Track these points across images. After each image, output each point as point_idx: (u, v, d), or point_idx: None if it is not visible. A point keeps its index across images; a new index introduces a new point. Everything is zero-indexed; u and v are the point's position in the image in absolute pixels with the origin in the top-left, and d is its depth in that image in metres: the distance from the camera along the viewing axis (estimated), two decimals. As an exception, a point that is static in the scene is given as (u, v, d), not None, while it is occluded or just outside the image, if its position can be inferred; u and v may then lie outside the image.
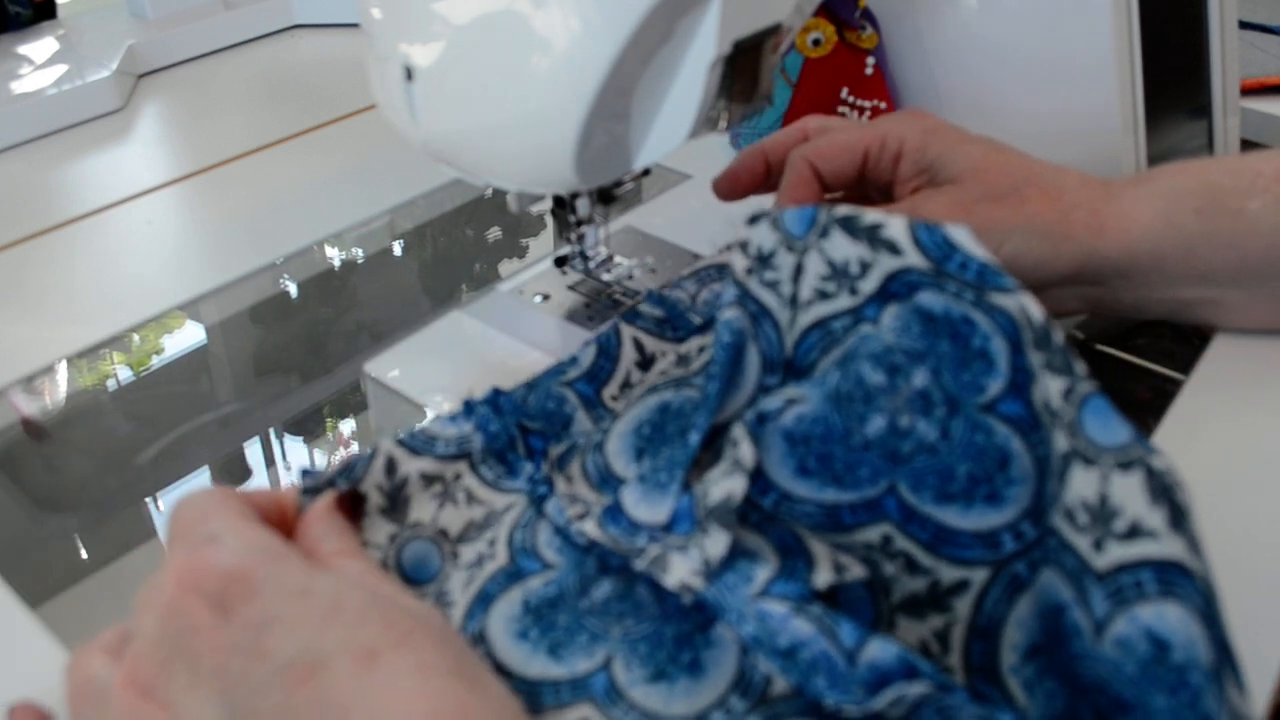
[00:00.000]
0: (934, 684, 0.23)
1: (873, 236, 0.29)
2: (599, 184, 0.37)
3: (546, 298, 0.47)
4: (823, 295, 0.30)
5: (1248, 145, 0.58)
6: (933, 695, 0.23)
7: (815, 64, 0.54)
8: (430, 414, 0.42)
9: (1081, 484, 0.24)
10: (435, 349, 0.45)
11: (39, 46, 0.74)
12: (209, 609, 0.23)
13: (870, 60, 0.54)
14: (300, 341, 0.50)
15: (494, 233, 0.57)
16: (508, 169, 0.37)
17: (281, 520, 0.29)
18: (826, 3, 0.52)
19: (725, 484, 0.27)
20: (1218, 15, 0.51)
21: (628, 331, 0.38)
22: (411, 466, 0.31)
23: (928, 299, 0.28)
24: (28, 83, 0.69)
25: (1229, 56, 0.52)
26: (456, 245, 0.57)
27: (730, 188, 0.46)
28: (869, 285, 0.29)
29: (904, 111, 0.43)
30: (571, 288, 0.47)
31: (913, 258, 0.28)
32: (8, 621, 0.34)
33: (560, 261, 0.47)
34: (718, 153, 0.59)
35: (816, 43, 0.53)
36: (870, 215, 0.29)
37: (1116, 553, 0.23)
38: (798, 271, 0.31)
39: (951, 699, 0.23)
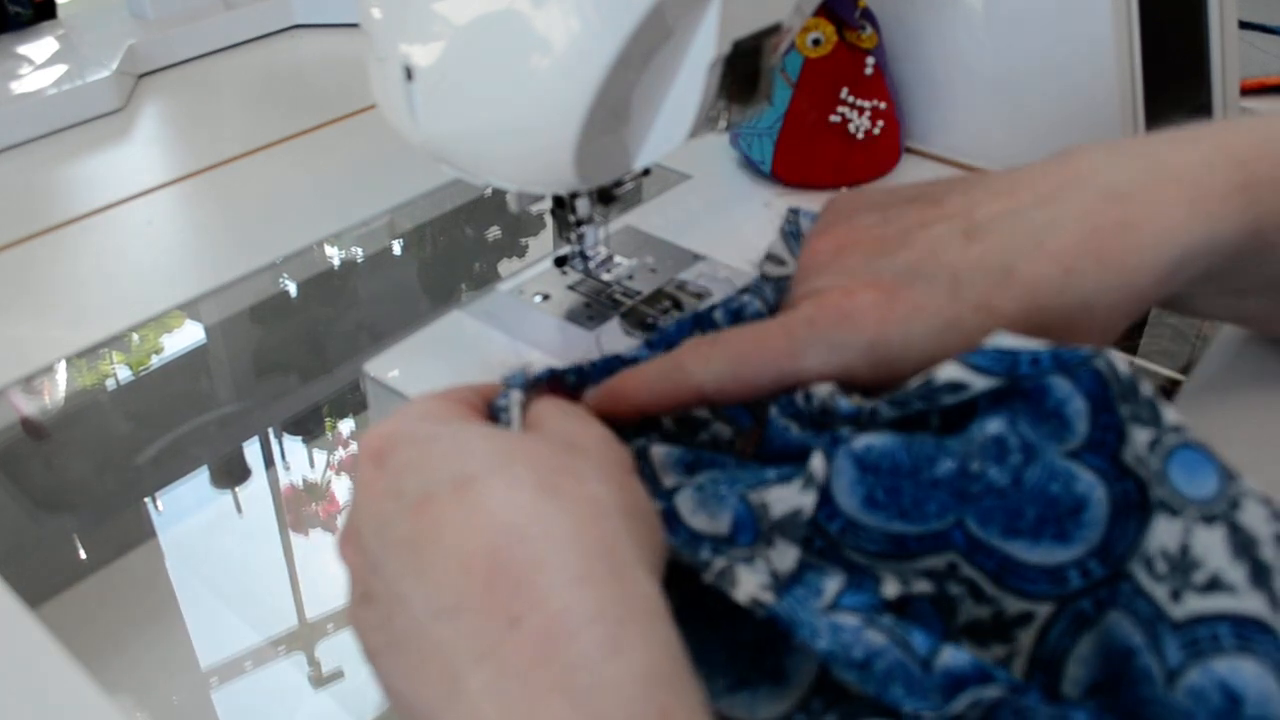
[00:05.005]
0: (1008, 686, 0.23)
1: (929, 390, 0.27)
2: (599, 184, 0.37)
3: (546, 298, 0.47)
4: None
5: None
6: (1008, 698, 0.23)
7: (815, 64, 0.54)
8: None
9: (1163, 533, 0.25)
10: (435, 349, 0.45)
11: (39, 46, 0.74)
12: (373, 465, 0.26)
13: (870, 60, 0.54)
14: (300, 341, 0.50)
15: (494, 233, 0.57)
16: (508, 169, 0.37)
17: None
18: (826, 3, 0.52)
19: (792, 496, 0.27)
20: (1218, 15, 0.51)
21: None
22: None
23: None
24: (28, 83, 0.69)
25: (1229, 56, 0.52)
26: (456, 245, 0.57)
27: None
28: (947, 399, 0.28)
29: (812, 302, 0.30)
30: (571, 288, 0.47)
31: (981, 385, 0.27)
32: (8, 621, 0.34)
33: (560, 261, 0.47)
34: (718, 153, 0.59)
35: (816, 43, 0.53)
36: (941, 372, 0.27)
37: (1194, 604, 0.23)
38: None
39: (1027, 699, 0.23)
